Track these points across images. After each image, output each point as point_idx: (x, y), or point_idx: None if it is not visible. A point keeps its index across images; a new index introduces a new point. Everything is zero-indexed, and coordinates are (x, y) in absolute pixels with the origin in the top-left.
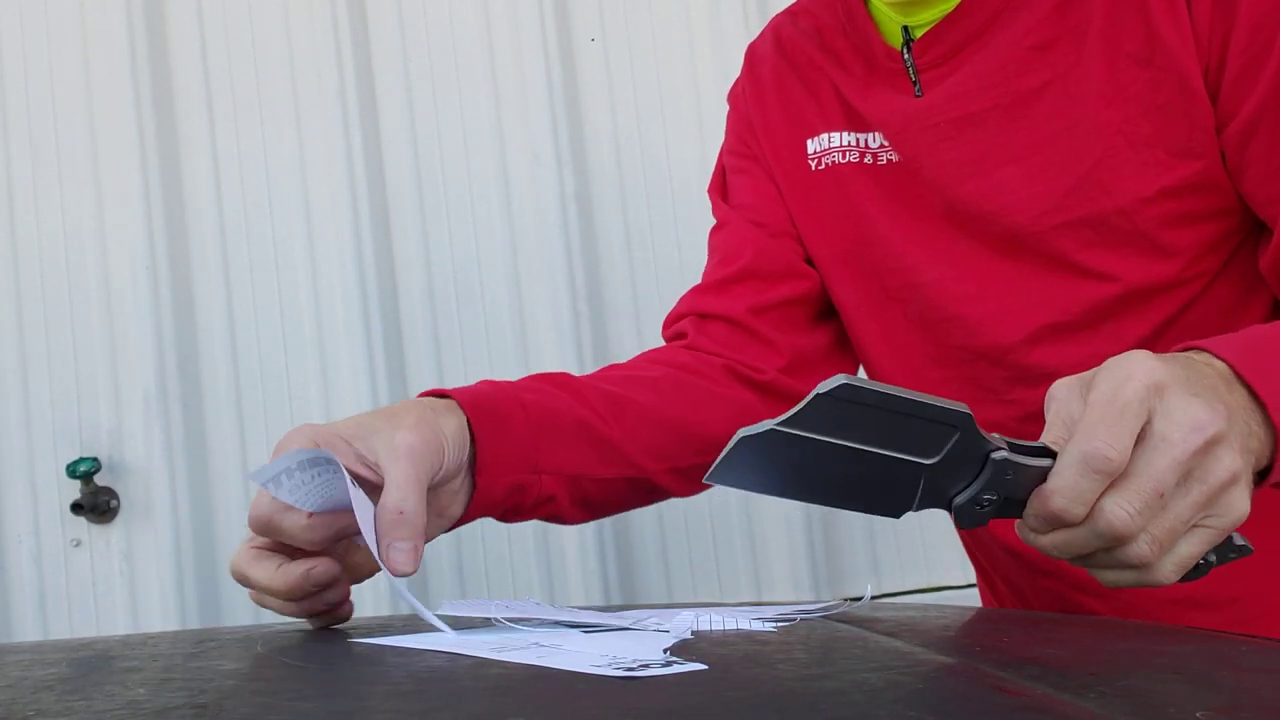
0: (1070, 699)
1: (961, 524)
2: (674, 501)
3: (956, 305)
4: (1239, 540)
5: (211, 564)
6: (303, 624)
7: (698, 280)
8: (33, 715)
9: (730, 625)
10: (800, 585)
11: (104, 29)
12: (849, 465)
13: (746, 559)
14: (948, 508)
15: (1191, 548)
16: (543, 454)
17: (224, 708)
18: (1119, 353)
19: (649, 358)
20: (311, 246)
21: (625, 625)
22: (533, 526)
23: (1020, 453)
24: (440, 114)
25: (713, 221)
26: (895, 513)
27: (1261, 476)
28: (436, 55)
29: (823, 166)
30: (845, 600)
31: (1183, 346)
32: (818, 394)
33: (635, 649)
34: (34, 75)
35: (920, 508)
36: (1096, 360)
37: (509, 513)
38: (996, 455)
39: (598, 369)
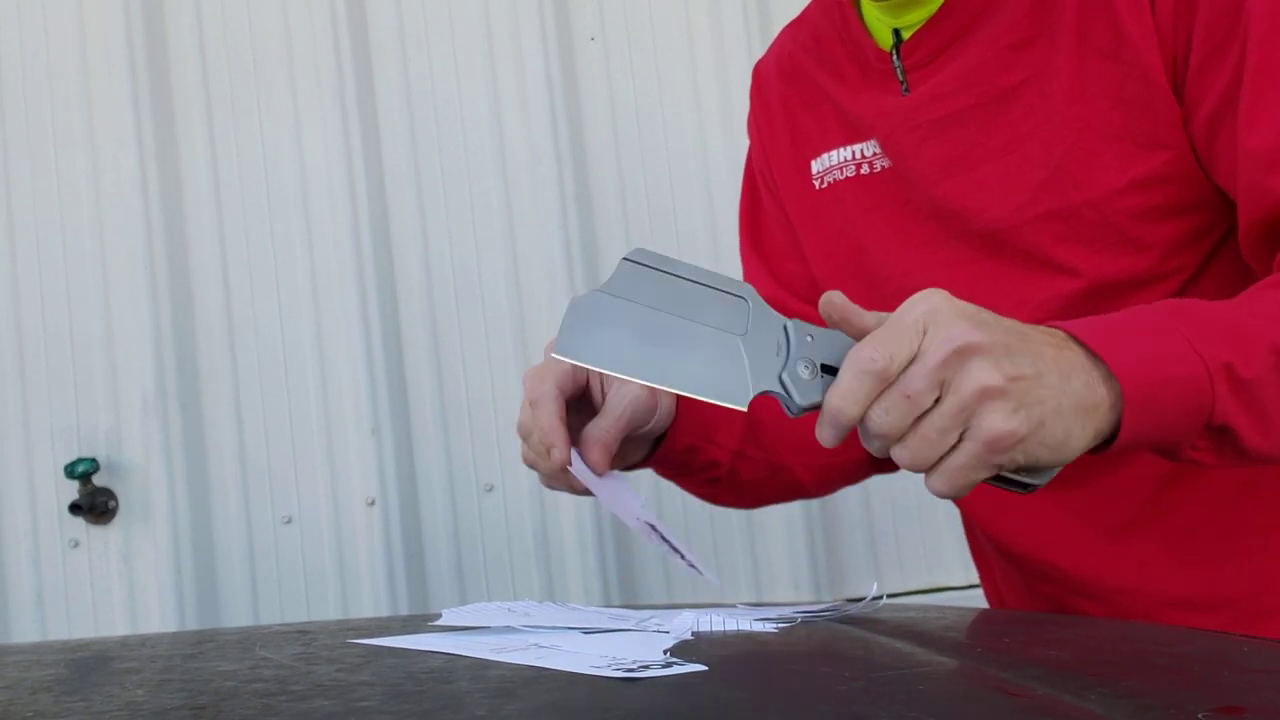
0: (1072, 700)
1: (797, 398)
2: (674, 501)
3: None
4: (1051, 471)
5: (210, 565)
6: (300, 624)
7: None
8: (31, 716)
9: (730, 626)
10: (800, 585)
11: (102, 29)
12: (678, 340)
13: (746, 559)
14: (783, 388)
15: (961, 459)
16: (718, 426)
17: (222, 709)
18: None
19: None
20: (310, 246)
21: (627, 626)
22: (532, 526)
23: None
24: (440, 114)
25: (716, 222)
26: (738, 397)
27: (1111, 440)
28: (436, 55)
29: (825, 185)
30: (847, 601)
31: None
32: (623, 259)
33: (635, 650)
34: (32, 75)
35: (757, 389)
36: None
37: (678, 471)
38: (789, 321)
39: None
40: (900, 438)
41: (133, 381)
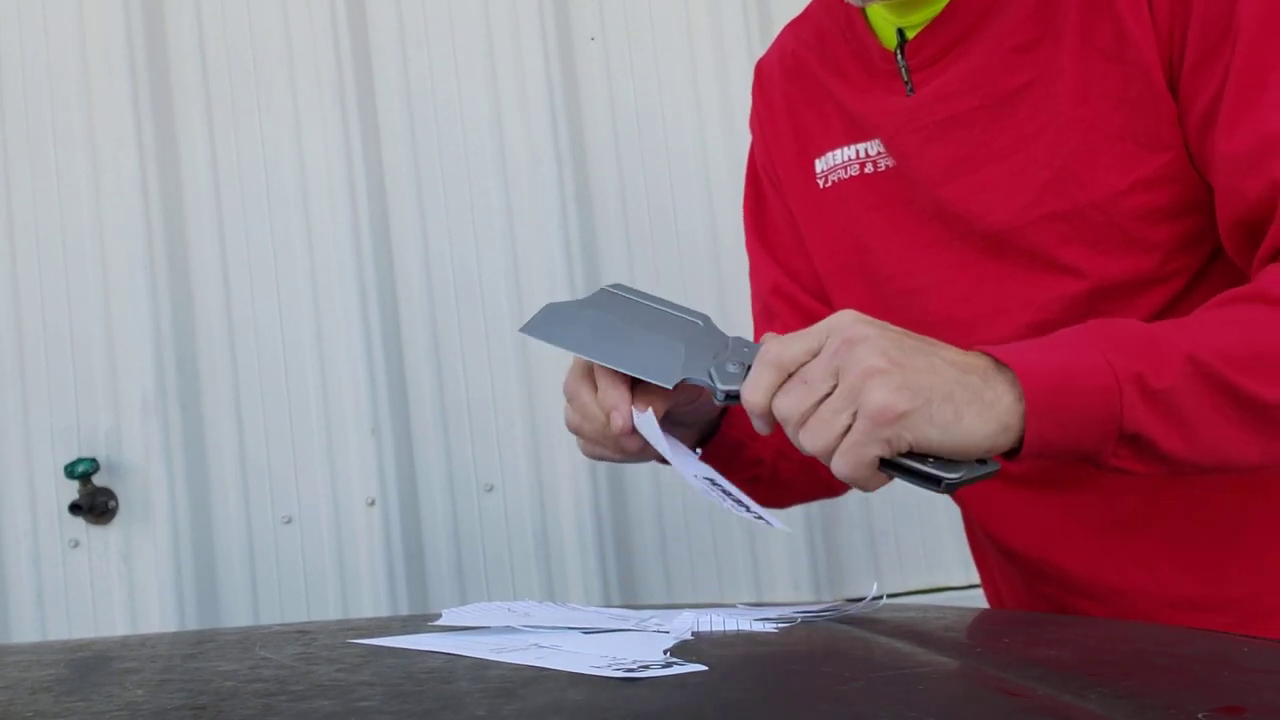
0: (1072, 699)
1: (720, 383)
2: (674, 501)
3: (950, 307)
4: (984, 461)
5: (210, 564)
6: (300, 624)
7: (697, 280)
8: (31, 716)
9: (730, 626)
10: (800, 585)
11: (102, 29)
12: (628, 337)
13: (746, 559)
14: (708, 377)
15: (855, 436)
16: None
17: (222, 709)
18: None
19: None
20: (310, 246)
21: (627, 626)
22: (532, 526)
23: None
24: (440, 114)
25: (716, 222)
26: (667, 378)
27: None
28: (436, 55)
29: (829, 184)
30: (847, 601)
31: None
32: (601, 289)
33: (635, 650)
34: (32, 75)
35: (685, 375)
36: None
37: (724, 464)
38: (733, 337)
39: None
40: (802, 421)
41: (133, 381)
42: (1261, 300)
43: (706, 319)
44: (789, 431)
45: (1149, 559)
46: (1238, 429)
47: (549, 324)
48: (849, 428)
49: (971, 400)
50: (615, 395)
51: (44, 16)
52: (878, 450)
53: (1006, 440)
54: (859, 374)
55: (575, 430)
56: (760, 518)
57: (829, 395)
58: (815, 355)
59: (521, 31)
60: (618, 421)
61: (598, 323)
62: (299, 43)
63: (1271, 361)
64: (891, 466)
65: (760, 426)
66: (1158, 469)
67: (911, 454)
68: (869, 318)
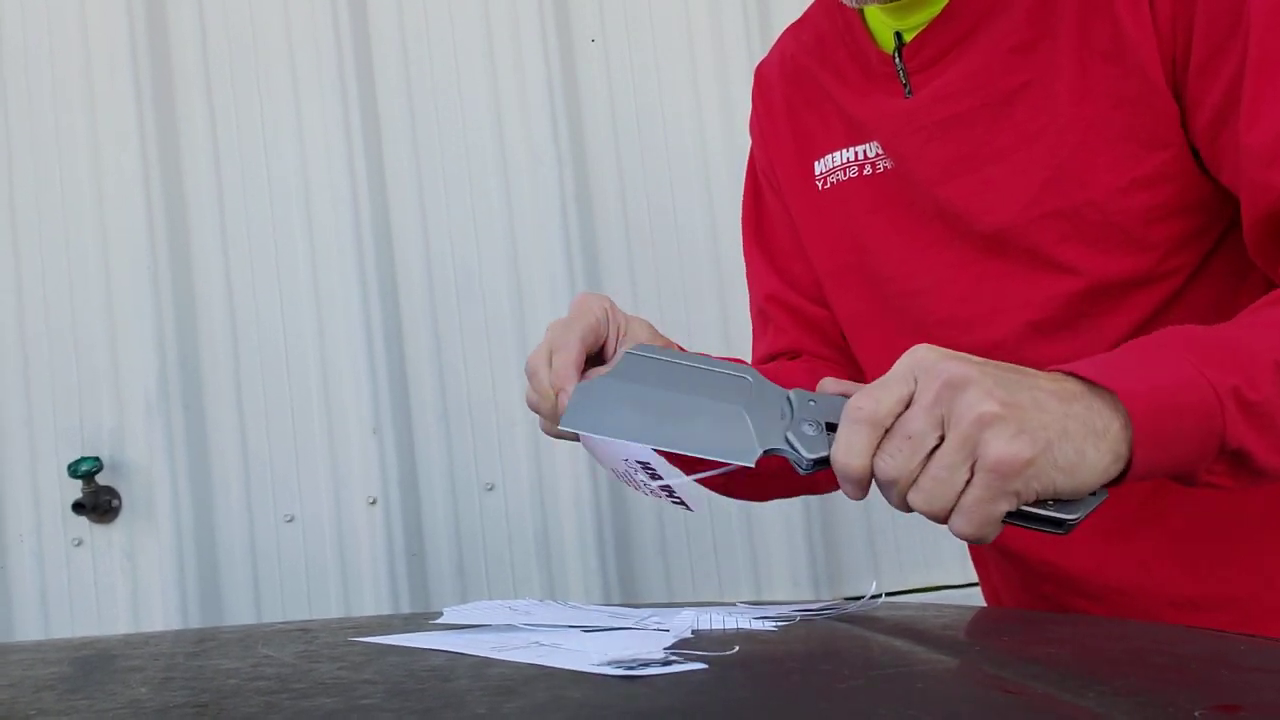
0: (1070, 698)
1: (804, 450)
2: None
3: (950, 306)
4: (1095, 493)
5: (213, 563)
6: (302, 623)
7: (697, 280)
8: (35, 714)
9: (730, 625)
10: (800, 585)
11: (105, 28)
12: (683, 411)
13: (746, 559)
14: (789, 445)
15: (977, 491)
16: None
17: (225, 707)
18: (1101, 350)
19: (783, 364)
20: (312, 246)
21: (627, 624)
22: (532, 526)
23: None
24: (440, 114)
25: (716, 222)
26: (746, 455)
27: (1126, 473)
28: (437, 55)
29: (828, 186)
30: (846, 600)
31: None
32: (626, 352)
33: (635, 648)
34: (35, 74)
35: (764, 446)
36: (1080, 358)
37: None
38: (791, 391)
39: None
40: (913, 481)
41: (136, 381)
42: None
43: (754, 372)
44: (892, 493)
45: (1150, 559)
46: None
47: (590, 410)
48: (968, 482)
49: (1086, 433)
50: (564, 375)
51: (47, 15)
52: (1005, 505)
53: (1118, 467)
54: (972, 423)
55: (534, 408)
56: (681, 501)
57: (937, 448)
58: (908, 404)
59: (522, 32)
60: (563, 400)
61: (642, 400)
62: (301, 43)
63: None
64: (1014, 516)
65: (855, 493)
66: (1247, 483)
67: (1034, 500)
68: (951, 352)
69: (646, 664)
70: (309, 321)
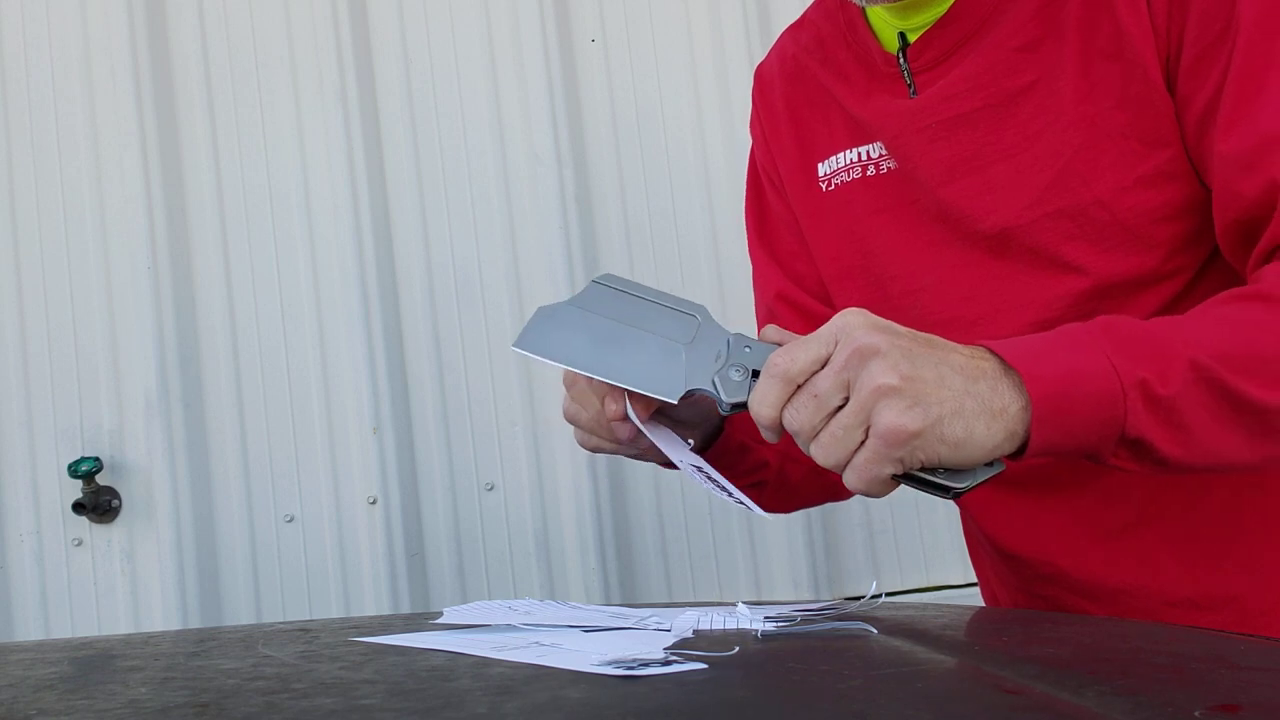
0: (1069, 697)
1: (724, 394)
2: (674, 501)
3: (954, 307)
4: (991, 463)
5: (213, 563)
6: (303, 623)
7: (696, 280)
8: (35, 714)
9: (730, 625)
10: (800, 585)
11: (105, 32)
12: (626, 344)
13: (746, 559)
14: (713, 388)
15: (867, 454)
16: None
17: (225, 707)
18: None
19: None
20: (312, 246)
21: (627, 624)
22: (532, 526)
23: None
24: (440, 114)
25: (716, 222)
26: (670, 391)
27: (1023, 450)
28: (437, 55)
29: (832, 188)
30: (846, 600)
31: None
32: (592, 280)
33: (635, 648)
34: (36, 76)
35: (689, 386)
36: None
37: (728, 467)
38: (732, 334)
39: None
40: (814, 435)
41: (136, 381)
42: (1261, 299)
43: (703, 311)
44: (799, 442)
45: (1149, 559)
46: (1234, 433)
47: (542, 335)
48: (861, 443)
49: (980, 412)
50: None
51: (48, 19)
52: (890, 469)
53: (1012, 445)
54: (870, 392)
55: (572, 419)
56: (742, 503)
57: (840, 408)
58: (824, 364)
59: (522, 33)
60: (611, 408)
61: (593, 328)
62: (301, 45)
63: (1271, 364)
64: (903, 478)
65: (769, 436)
66: (1153, 470)
67: (922, 467)
68: (877, 320)
69: (646, 664)
70: (309, 321)
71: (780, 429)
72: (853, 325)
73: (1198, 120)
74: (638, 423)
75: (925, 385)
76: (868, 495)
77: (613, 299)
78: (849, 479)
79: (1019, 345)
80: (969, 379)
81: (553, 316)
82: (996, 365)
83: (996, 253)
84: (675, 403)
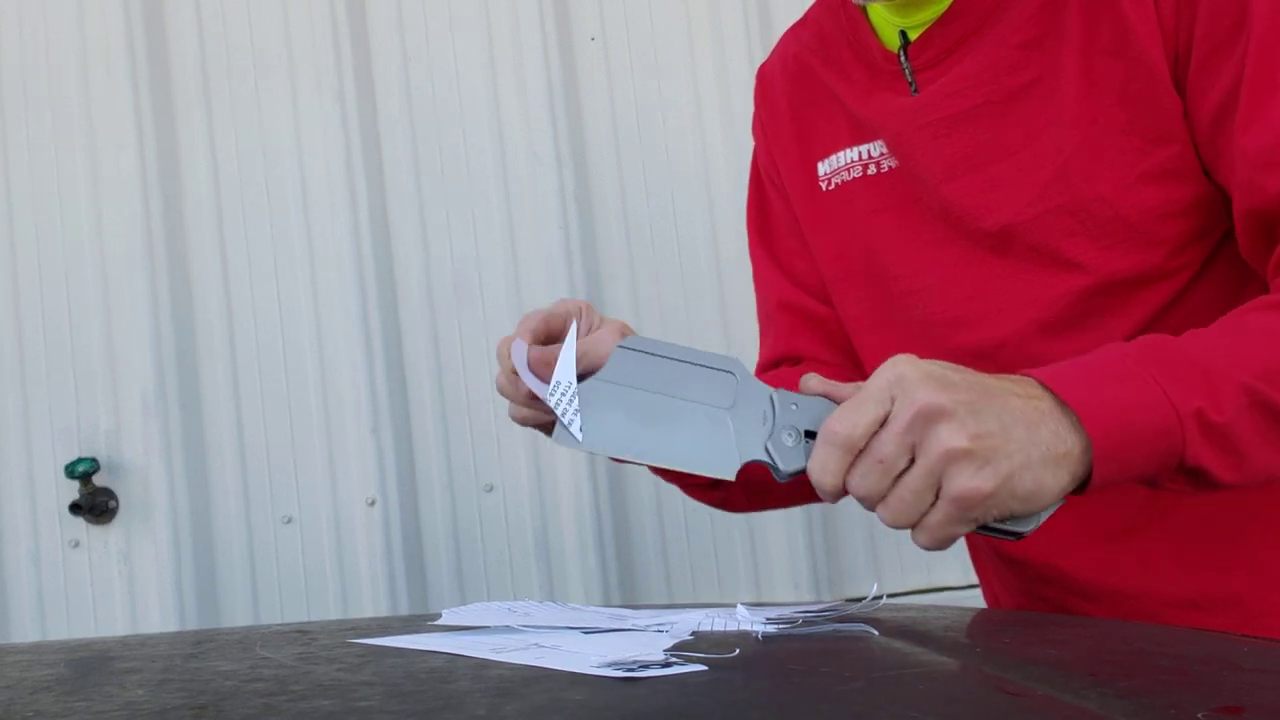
0: (1071, 699)
1: (781, 464)
2: (674, 501)
3: (956, 305)
4: (1037, 517)
5: (210, 564)
6: (300, 624)
7: (697, 280)
8: (32, 716)
9: (731, 626)
10: (800, 585)
11: (102, 30)
12: (669, 419)
13: (747, 559)
14: (768, 456)
15: (939, 515)
16: None
17: (222, 709)
18: None
19: (785, 371)
20: (310, 246)
21: (627, 626)
22: (532, 526)
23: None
24: (439, 112)
25: (716, 222)
26: (727, 468)
27: (1085, 484)
28: (436, 55)
29: (833, 187)
30: (847, 601)
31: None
32: (618, 346)
33: (635, 650)
34: (32, 75)
35: (744, 459)
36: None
37: (698, 485)
38: (774, 391)
39: None
40: (881, 498)
41: (133, 381)
42: None
43: (739, 365)
44: (864, 505)
45: (1151, 561)
46: None
47: (581, 421)
48: (932, 504)
49: (1047, 460)
50: (505, 344)
51: (44, 17)
52: (964, 529)
53: (1074, 484)
54: (940, 456)
55: (501, 391)
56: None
57: (906, 471)
58: (883, 424)
59: (521, 31)
60: (505, 363)
61: (630, 405)
62: (299, 43)
63: None
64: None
65: (830, 500)
66: (1207, 491)
67: None
68: (930, 369)
69: (646, 666)
70: (307, 321)
71: (843, 493)
72: (909, 381)
73: (1211, 118)
74: (526, 378)
75: (993, 441)
76: (933, 550)
77: (643, 366)
78: (920, 539)
79: (1070, 378)
80: (1031, 427)
81: (586, 398)
82: (1053, 404)
83: (998, 251)
84: (733, 479)
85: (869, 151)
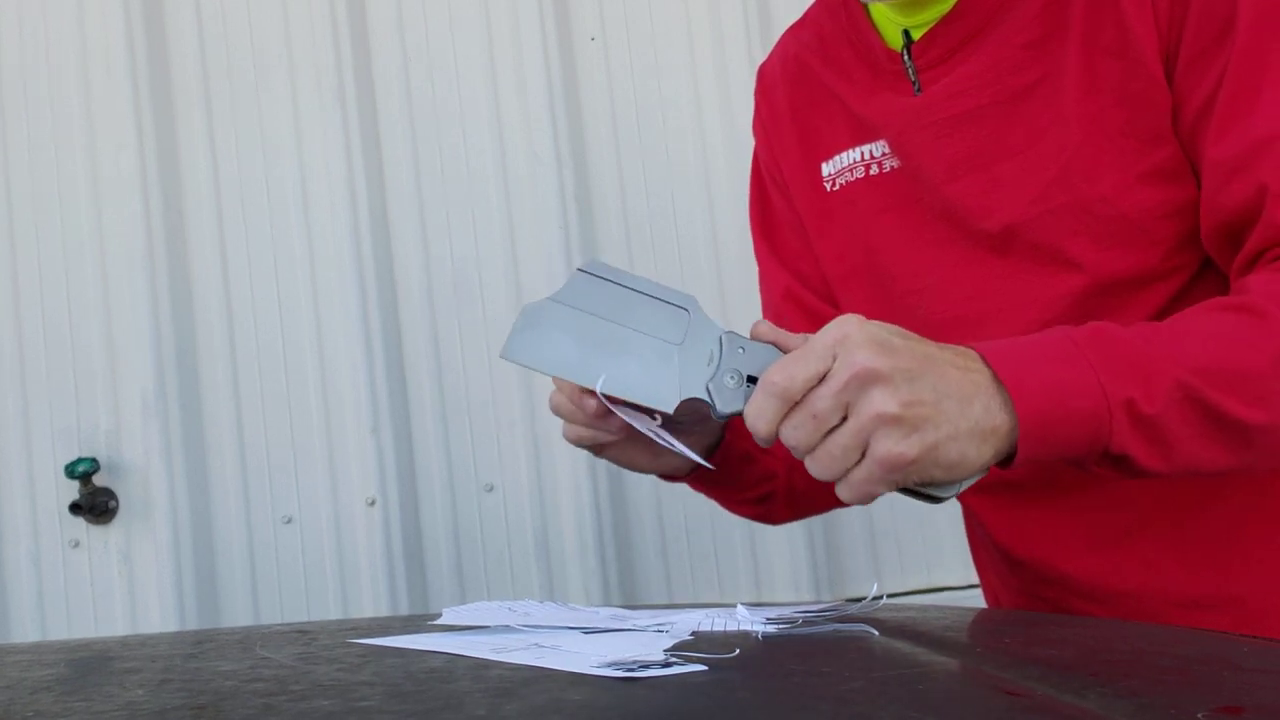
0: (1072, 699)
1: (719, 405)
2: (674, 501)
3: (957, 305)
4: (959, 485)
5: (210, 564)
6: (301, 624)
7: (697, 280)
8: (32, 716)
9: (731, 626)
10: (800, 585)
11: (102, 30)
12: (617, 346)
13: (747, 559)
14: (707, 395)
15: (862, 473)
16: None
17: (222, 709)
18: None
19: None
20: (310, 246)
21: (627, 626)
22: (532, 527)
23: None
24: (440, 114)
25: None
26: (666, 400)
27: (1010, 461)
28: (436, 55)
29: (836, 187)
30: (848, 601)
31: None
32: (577, 269)
33: (635, 650)
34: (32, 75)
35: (684, 395)
36: None
37: (732, 479)
38: (725, 332)
39: None
40: (810, 450)
41: (133, 381)
42: (1247, 312)
43: (694, 303)
44: (795, 453)
45: (1152, 563)
46: (1214, 446)
47: (530, 340)
48: (858, 462)
49: (974, 434)
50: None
51: (44, 17)
52: (883, 489)
53: (998, 459)
54: (870, 419)
55: (557, 411)
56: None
57: (837, 428)
58: (822, 379)
59: (521, 31)
60: (589, 404)
61: (581, 329)
62: (299, 43)
63: (1254, 381)
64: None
65: (761, 443)
66: (1130, 477)
67: None
68: (874, 332)
69: (646, 666)
70: (307, 321)
71: (774, 440)
72: (852, 340)
73: (1192, 119)
74: (607, 403)
75: (924, 410)
76: (855, 505)
77: (600, 291)
78: (842, 492)
79: (1009, 354)
80: (964, 401)
81: (538, 317)
82: (988, 379)
83: (1000, 251)
84: (671, 413)
85: (871, 152)
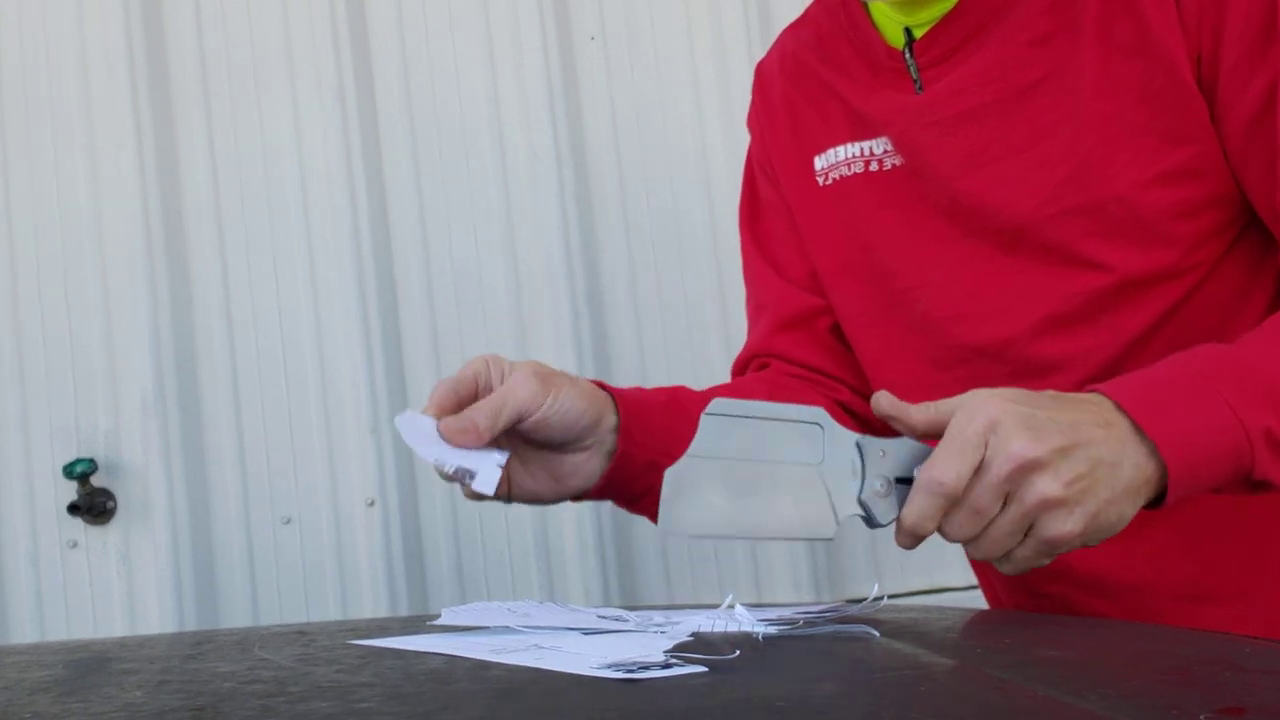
0: (1073, 700)
1: (878, 516)
2: None
3: (959, 302)
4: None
5: (209, 565)
6: (300, 625)
7: (697, 280)
8: (29, 717)
9: (731, 627)
10: (801, 586)
11: (101, 30)
12: (764, 486)
13: (747, 559)
14: (864, 511)
15: (1026, 552)
16: (675, 440)
17: (221, 710)
18: (1120, 345)
19: (748, 378)
20: (310, 247)
21: (627, 627)
22: (532, 527)
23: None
24: (440, 114)
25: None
26: (825, 529)
27: (1158, 501)
28: (436, 54)
29: (830, 182)
30: (848, 602)
31: (1089, 389)
32: (703, 414)
33: (635, 650)
34: (31, 76)
35: (841, 516)
36: (1098, 352)
37: (638, 497)
38: (860, 438)
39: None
40: (973, 540)
41: (132, 382)
42: None
43: (823, 415)
44: (952, 541)
45: (1159, 555)
46: None
47: (681, 506)
48: (1020, 542)
49: (1128, 494)
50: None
51: (44, 17)
52: (1047, 562)
53: (1145, 504)
54: (1034, 505)
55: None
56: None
57: (999, 514)
58: (977, 472)
59: (521, 31)
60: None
61: (726, 478)
62: (298, 43)
63: None
64: None
65: (910, 546)
66: (1263, 494)
67: None
68: (1020, 412)
69: (646, 667)
70: (306, 322)
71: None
72: (1004, 428)
73: (1246, 120)
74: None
75: (1083, 484)
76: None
77: (731, 431)
78: (1005, 568)
79: (1142, 398)
80: (1114, 466)
81: (681, 480)
82: (1128, 431)
83: (1005, 248)
84: (832, 539)
85: (871, 148)
